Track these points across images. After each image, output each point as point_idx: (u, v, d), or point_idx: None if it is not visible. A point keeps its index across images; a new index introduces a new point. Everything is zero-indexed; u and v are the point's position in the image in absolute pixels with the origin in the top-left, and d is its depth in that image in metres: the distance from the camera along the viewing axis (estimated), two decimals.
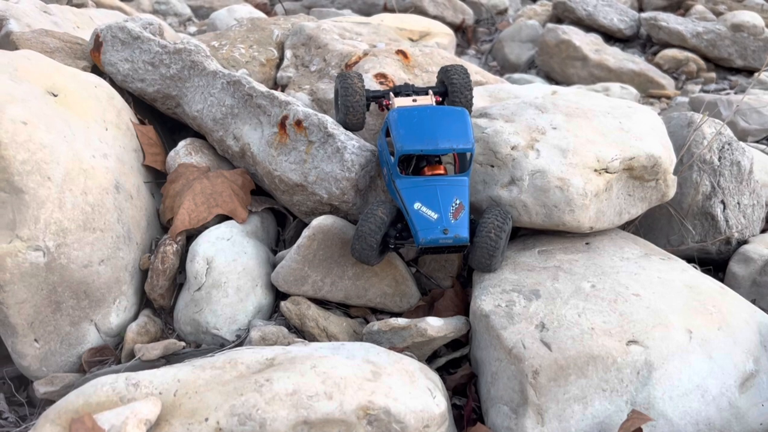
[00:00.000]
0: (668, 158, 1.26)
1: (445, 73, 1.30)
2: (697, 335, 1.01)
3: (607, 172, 1.18)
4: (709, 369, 0.99)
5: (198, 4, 3.97)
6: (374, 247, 1.07)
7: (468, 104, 1.27)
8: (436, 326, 1.07)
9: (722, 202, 1.43)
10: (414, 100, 1.24)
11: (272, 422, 0.81)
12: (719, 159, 1.44)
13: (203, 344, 1.15)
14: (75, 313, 1.10)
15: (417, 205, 1.06)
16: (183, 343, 1.11)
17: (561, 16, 3.67)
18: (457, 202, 1.07)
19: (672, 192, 1.31)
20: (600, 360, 0.95)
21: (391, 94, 1.26)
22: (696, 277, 1.14)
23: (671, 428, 0.94)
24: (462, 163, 1.15)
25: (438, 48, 2.03)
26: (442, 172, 1.14)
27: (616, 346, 0.97)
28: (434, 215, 1.05)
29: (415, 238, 1.05)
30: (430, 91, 1.27)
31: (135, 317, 1.20)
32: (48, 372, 1.09)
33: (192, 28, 3.48)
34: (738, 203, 1.46)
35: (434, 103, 1.24)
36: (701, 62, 3.23)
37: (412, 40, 2.48)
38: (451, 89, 1.27)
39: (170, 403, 0.85)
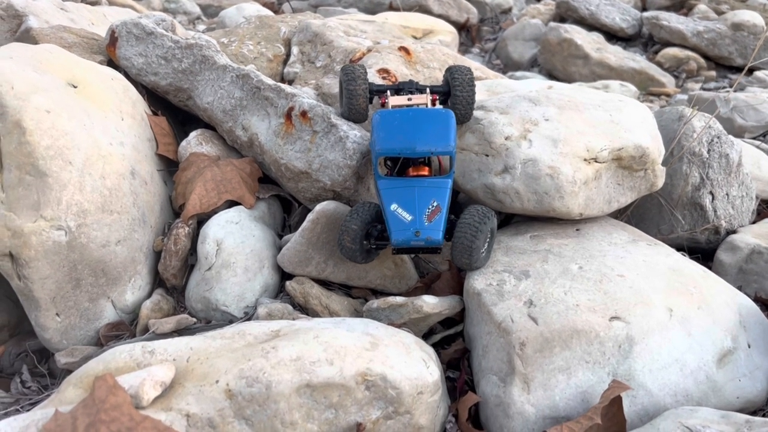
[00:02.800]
0: (656, 149, 1.32)
1: (450, 72, 1.32)
2: (678, 313, 1.07)
3: (596, 161, 1.24)
4: (688, 345, 1.05)
5: (207, 3, 4.05)
6: (359, 260, 1.15)
7: (470, 104, 1.28)
8: (431, 303, 1.13)
9: (711, 192, 1.49)
10: (409, 99, 1.25)
11: (277, 384, 0.88)
12: (708, 151, 1.49)
13: (213, 320, 1.22)
14: (93, 290, 1.17)
15: (394, 206, 1.09)
16: (194, 319, 1.19)
17: (564, 15, 3.72)
18: (434, 204, 1.09)
19: (660, 182, 1.36)
20: (583, 334, 1.01)
21: (389, 92, 1.28)
22: (680, 261, 1.20)
23: (650, 398, 1.00)
24: (446, 165, 1.18)
25: (440, 45, 2.09)
26: (425, 173, 1.16)
27: (599, 321, 1.03)
28: (408, 217, 1.07)
29: (390, 239, 1.08)
30: (428, 90, 1.29)
31: (149, 295, 1.27)
32: (68, 345, 1.16)
33: (201, 26, 3.56)
34: (726, 194, 1.51)
35: (430, 102, 1.26)
36: (702, 61, 3.28)
37: (415, 37, 2.55)
38: (454, 90, 1.29)
39: (183, 368, 0.92)
